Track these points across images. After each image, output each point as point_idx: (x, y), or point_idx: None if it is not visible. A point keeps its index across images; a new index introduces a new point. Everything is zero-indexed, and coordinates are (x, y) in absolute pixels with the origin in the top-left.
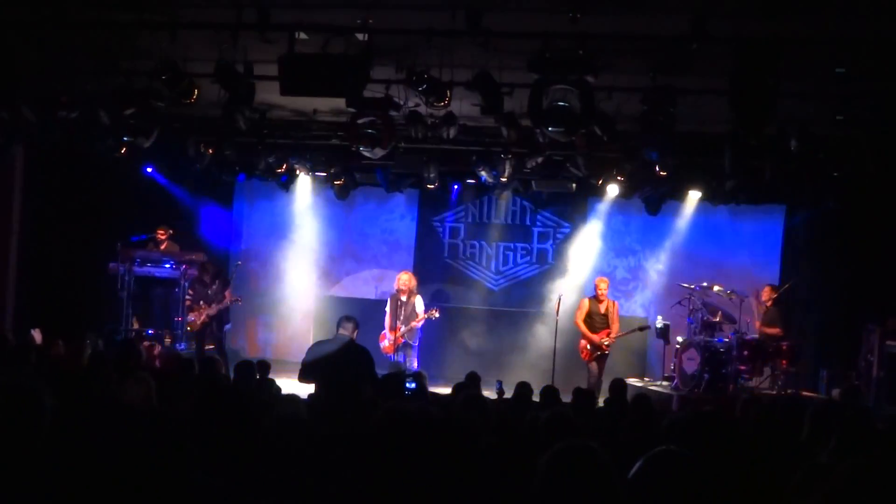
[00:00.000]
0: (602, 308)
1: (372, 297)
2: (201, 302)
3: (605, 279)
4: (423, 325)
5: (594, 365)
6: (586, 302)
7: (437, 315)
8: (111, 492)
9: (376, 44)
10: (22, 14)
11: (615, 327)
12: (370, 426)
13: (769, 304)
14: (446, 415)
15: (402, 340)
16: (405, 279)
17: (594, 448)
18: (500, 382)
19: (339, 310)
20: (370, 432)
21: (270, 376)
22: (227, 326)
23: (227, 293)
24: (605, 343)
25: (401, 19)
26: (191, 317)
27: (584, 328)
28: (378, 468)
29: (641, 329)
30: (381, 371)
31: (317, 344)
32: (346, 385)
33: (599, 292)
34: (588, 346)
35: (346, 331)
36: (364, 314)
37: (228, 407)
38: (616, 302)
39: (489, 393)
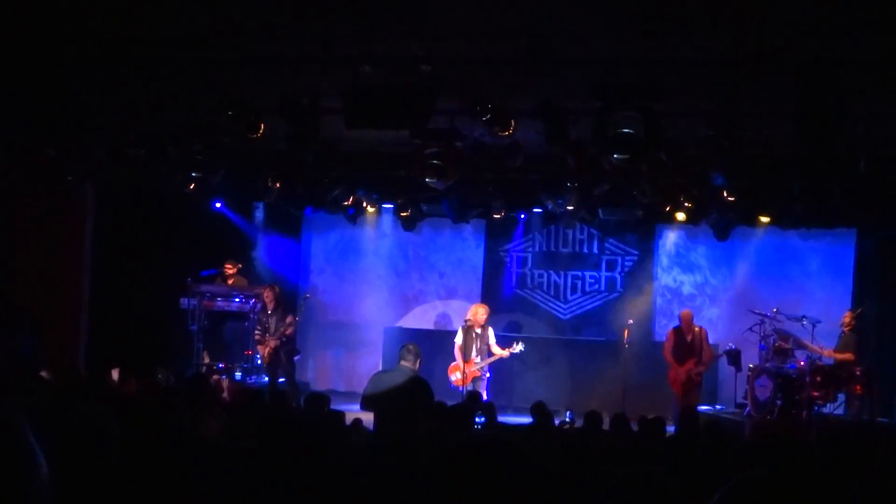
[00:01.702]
0: (688, 337)
1: (440, 327)
2: (266, 335)
3: (688, 311)
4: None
5: (685, 397)
6: (672, 333)
7: (522, 348)
8: None
9: (440, 74)
10: (89, 52)
11: (706, 355)
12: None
13: (847, 329)
14: (515, 444)
15: (479, 374)
16: (482, 312)
17: (657, 474)
18: (570, 412)
19: (407, 341)
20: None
21: (340, 408)
22: (297, 357)
23: (287, 319)
24: (695, 372)
25: (464, 49)
26: (259, 350)
27: (671, 360)
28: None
29: (730, 357)
30: (451, 401)
31: (378, 374)
32: (404, 417)
33: (684, 324)
34: (677, 378)
35: (408, 362)
36: (433, 345)
37: (297, 439)
38: (704, 329)
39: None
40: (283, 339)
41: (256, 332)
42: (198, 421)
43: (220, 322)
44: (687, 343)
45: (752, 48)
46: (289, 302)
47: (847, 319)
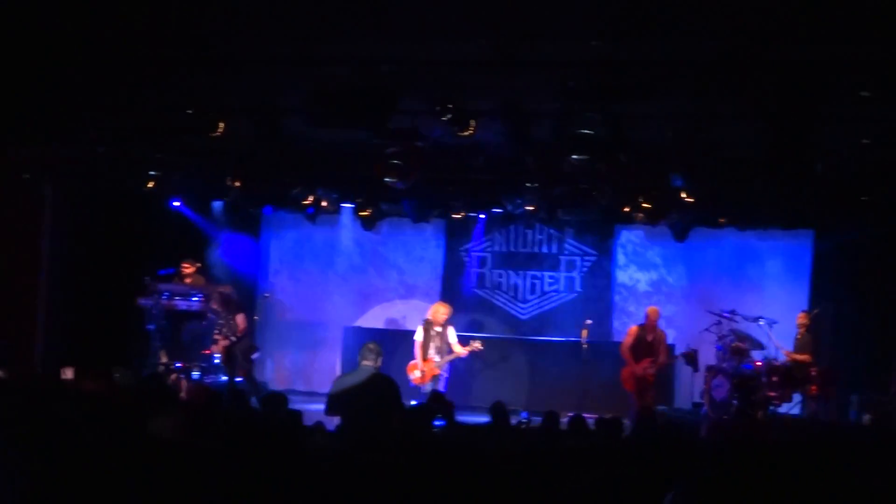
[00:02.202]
0: (649, 337)
1: (399, 327)
2: (219, 335)
3: (655, 308)
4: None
5: (639, 395)
6: (634, 330)
7: (481, 347)
8: None
9: (403, 74)
10: (49, 50)
11: (662, 357)
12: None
13: (802, 330)
14: (474, 445)
15: (439, 372)
16: (442, 311)
17: (622, 477)
18: (526, 413)
19: (366, 340)
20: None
21: (299, 408)
22: (256, 356)
23: (237, 319)
24: (650, 372)
25: (429, 49)
26: (215, 350)
27: (628, 356)
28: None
29: (687, 358)
30: (411, 400)
31: (342, 377)
32: (372, 417)
33: (649, 322)
34: (631, 376)
35: (370, 361)
36: (392, 344)
37: (256, 439)
38: (664, 331)
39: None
40: (234, 339)
41: (215, 332)
42: (155, 420)
43: (177, 321)
44: (647, 342)
45: (716, 50)
46: (243, 301)
47: (802, 320)
